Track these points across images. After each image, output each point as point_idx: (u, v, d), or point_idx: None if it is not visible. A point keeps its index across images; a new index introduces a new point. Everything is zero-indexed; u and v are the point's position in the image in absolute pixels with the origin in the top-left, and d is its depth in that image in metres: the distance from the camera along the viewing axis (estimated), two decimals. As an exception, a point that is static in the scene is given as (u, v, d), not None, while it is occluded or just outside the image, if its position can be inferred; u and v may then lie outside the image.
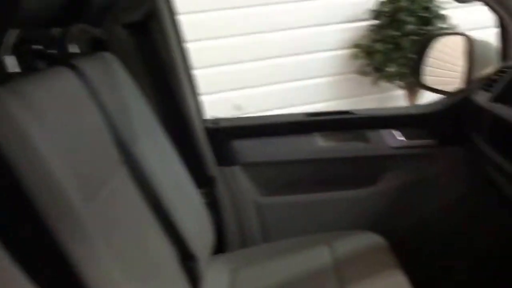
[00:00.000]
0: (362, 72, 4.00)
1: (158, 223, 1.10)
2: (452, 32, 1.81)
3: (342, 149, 1.62)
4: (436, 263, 1.58)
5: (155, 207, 1.10)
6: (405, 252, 1.39)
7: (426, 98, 3.67)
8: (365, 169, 1.61)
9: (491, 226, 1.57)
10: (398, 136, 1.58)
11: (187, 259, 1.16)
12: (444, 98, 1.61)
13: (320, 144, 1.62)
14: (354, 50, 4.00)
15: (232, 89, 3.82)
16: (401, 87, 4.01)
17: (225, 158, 1.59)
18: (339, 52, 4.04)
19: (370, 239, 1.46)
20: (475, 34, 1.61)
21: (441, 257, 1.59)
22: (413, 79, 3.86)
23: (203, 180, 1.52)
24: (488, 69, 1.57)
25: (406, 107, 1.79)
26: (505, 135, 1.28)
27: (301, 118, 1.64)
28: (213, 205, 1.55)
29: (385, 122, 1.61)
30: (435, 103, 1.61)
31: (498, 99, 1.33)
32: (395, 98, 4.13)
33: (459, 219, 1.58)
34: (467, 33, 1.62)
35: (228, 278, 1.36)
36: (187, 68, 1.53)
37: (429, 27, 3.74)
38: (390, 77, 3.93)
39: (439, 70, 1.78)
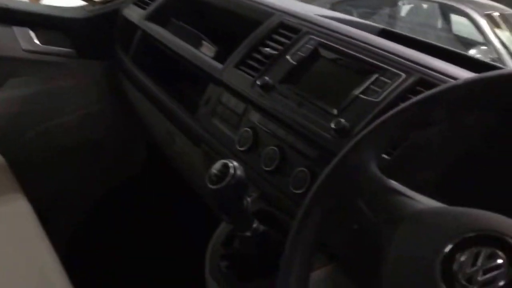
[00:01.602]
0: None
1: None
2: None
3: None
4: (70, 185, 1.46)
5: None
6: (26, 171, 1.22)
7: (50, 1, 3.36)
8: None
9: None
10: (33, 38, 1.34)
11: None
12: (88, 6, 1.46)
13: None
14: None
15: None
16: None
17: None
18: None
19: None
20: None
21: (74, 175, 1.46)
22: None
23: None
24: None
25: (46, 6, 1.54)
26: (153, 54, 1.26)
27: None
28: None
29: (16, 17, 1.34)
30: (80, 9, 1.44)
31: (151, 18, 1.28)
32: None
33: (99, 134, 1.48)
34: None
35: None
36: None
37: None
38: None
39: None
